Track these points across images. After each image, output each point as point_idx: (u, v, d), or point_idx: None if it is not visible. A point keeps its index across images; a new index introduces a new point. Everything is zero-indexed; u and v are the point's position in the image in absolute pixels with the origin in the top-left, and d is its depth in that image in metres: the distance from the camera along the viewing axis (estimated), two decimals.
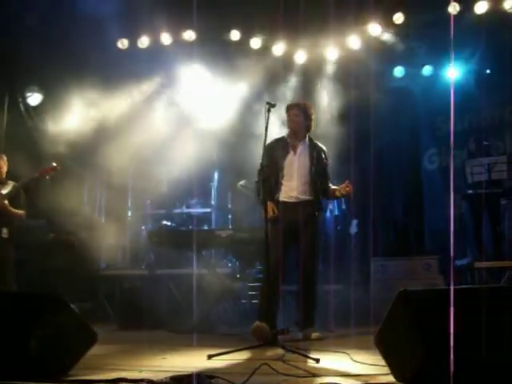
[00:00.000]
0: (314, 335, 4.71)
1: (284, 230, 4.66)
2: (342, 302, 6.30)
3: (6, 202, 5.64)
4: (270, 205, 4.60)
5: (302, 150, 4.92)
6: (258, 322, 4.49)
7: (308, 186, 4.83)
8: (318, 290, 4.98)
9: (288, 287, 5.27)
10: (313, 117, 5.01)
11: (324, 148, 5.08)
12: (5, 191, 5.74)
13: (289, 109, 4.97)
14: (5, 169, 5.92)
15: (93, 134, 8.10)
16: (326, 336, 4.75)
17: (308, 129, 5.00)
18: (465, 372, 2.45)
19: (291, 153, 4.88)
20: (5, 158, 6.00)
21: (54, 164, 5.98)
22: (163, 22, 7.40)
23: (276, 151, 4.84)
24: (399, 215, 8.37)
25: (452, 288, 2.71)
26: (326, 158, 5.03)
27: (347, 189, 4.72)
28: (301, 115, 4.90)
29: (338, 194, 4.83)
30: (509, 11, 6.73)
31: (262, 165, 4.50)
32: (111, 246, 7.39)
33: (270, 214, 4.57)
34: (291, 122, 4.89)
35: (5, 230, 5.65)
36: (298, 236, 4.77)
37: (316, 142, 5.07)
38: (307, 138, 4.99)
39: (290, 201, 4.80)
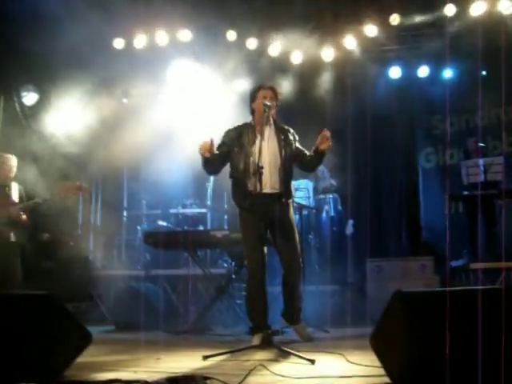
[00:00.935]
0: (305, 333, 4.55)
1: (257, 224, 4.25)
2: (338, 302, 6.30)
3: (24, 216, 5.62)
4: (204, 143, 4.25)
5: (269, 133, 4.55)
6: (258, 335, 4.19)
7: (279, 173, 4.47)
8: (300, 280, 4.64)
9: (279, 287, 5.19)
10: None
11: (291, 129, 4.71)
12: (15, 195, 5.75)
13: (260, 90, 4.57)
14: (14, 170, 5.87)
15: (88, 134, 8.10)
16: (317, 337, 4.59)
17: (273, 113, 4.61)
18: (460, 372, 2.45)
19: (258, 137, 4.45)
20: (14, 158, 5.93)
21: (79, 184, 5.84)
22: (159, 21, 7.40)
23: (242, 136, 4.52)
24: (395, 215, 8.39)
25: (447, 289, 2.71)
26: (295, 137, 4.67)
27: (326, 139, 4.30)
28: (274, 98, 4.56)
29: (321, 147, 4.35)
30: (504, 13, 6.76)
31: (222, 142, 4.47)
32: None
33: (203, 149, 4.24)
34: (265, 105, 4.38)
35: (12, 234, 5.66)
36: (273, 231, 4.47)
37: (280, 123, 4.71)
38: (272, 122, 4.62)
39: (261, 192, 4.21)
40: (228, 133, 4.63)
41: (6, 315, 2.96)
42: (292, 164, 4.61)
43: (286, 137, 4.60)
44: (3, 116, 7.47)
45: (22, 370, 2.84)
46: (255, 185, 4.14)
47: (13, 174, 5.86)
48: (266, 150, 4.44)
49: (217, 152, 4.42)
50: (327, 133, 4.32)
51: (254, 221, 4.27)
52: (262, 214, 4.24)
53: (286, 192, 4.51)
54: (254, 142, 4.46)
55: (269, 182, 4.42)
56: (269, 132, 4.55)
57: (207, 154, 4.31)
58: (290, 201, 4.62)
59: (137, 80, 8.11)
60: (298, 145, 4.67)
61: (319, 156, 4.49)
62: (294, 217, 4.77)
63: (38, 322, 3.01)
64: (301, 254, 4.66)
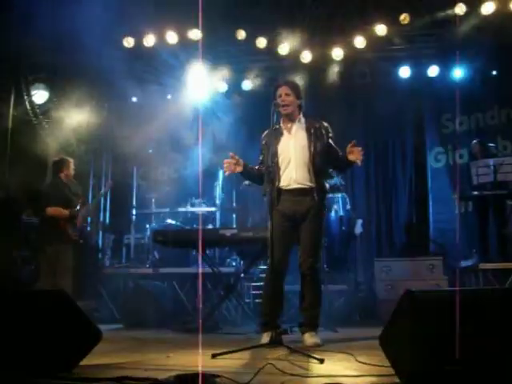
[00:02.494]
0: (310, 341, 4.19)
1: (285, 222, 4.23)
2: (347, 302, 6.30)
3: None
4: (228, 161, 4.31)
5: (296, 129, 4.44)
6: (268, 333, 4.12)
7: (308, 169, 4.32)
8: (320, 285, 4.44)
9: (293, 287, 5.16)
10: (301, 95, 4.55)
11: (325, 123, 4.53)
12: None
13: (277, 88, 4.48)
14: (71, 174, 6.24)
15: (97, 133, 8.13)
16: (325, 343, 4.27)
17: (301, 107, 4.51)
18: (470, 372, 2.44)
19: (285, 134, 4.40)
20: (71, 161, 6.28)
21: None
22: (169, 20, 7.42)
23: (269, 138, 4.40)
24: (404, 215, 8.37)
25: (457, 289, 2.70)
26: (328, 132, 4.49)
27: (355, 151, 4.19)
28: (291, 94, 4.43)
29: (350, 158, 4.22)
30: None
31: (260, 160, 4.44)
32: None
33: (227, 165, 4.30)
34: (283, 103, 4.36)
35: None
36: (299, 228, 4.33)
37: (313, 118, 4.57)
38: (301, 116, 4.50)
39: (288, 188, 4.28)
40: (261, 139, 4.55)
41: (18, 312, 2.98)
42: (324, 160, 4.41)
43: (317, 131, 4.45)
44: (14, 114, 7.50)
45: (34, 365, 2.86)
46: (280, 182, 4.20)
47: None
48: (293, 146, 4.37)
49: (257, 164, 4.51)
50: (357, 148, 4.20)
51: (279, 218, 4.22)
52: (289, 210, 4.22)
53: (316, 188, 4.33)
54: (279, 140, 4.39)
55: (295, 178, 4.31)
56: (296, 128, 4.45)
57: (239, 170, 4.35)
58: (321, 197, 4.37)
59: (146, 79, 8.15)
60: (330, 141, 4.49)
61: (347, 165, 4.41)
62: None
63: (49, 318, 3.03)
64: (319, 257, 4.45)
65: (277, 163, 4.29)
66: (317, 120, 4.56)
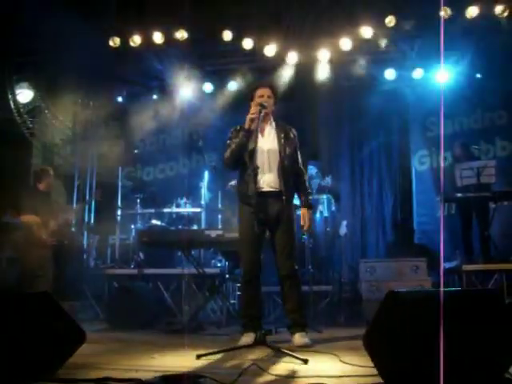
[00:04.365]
0: (300, 341, 4.25)
1: (255, 223, 4.06)
2: (332, 302, 6.33)
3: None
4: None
5: (269, 132, 4.49)
6: (248, 334, 4.24)
7: (278, 173, 4.38)
8: (301, 286, 4.54)
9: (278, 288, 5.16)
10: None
11: (293, 129, 4.62)
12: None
13: (259, 88, 4.52)
14: (52, 183, 6.49)
15: (83, 133, 8.10)
16: (314, 344, 4.30)
17: (273, 111, 4.56)
18: (452, 372, 2.47)
19: (259, 136, 4.39)
20: (51, 171, 6.50)
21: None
22: (155, 20, 7.40)
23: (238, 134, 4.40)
24: (389, 216, 8.43)
25: (440, 290, 2.73)
26: (295, 137, 4.57)
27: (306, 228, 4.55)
28: (272, 97, 4.49)
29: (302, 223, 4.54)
30: (499, 16, 6.79)
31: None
32: None
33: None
34: (261, 105, 4.30)
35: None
36: (273, 232, 4.40)
37: (282, 122, 4.61)
38: (272, 120, 4.55)
39: (260, 191, 4.27)
40: (233, 132, 4.54)
41: (2, 314, 2.96)
42: (291, 164, 4.48)
43: (287, 135, 4.53)
44: None
45: (16, 367, 2.84)
46: (252, 183, 4.10)
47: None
48: (265, 149, 4.41)
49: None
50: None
51: (250, 220, 4.13)
52: (260, 213, 4.15)
53: (285, 191, 4.38)
54: (253, 141, 4.35)
55: (267, 181, 4.37)
56: (269, 130, 4.51)
57: (254, 125, 4.26)
58: (291, 200, 4.49)
59: (132, 79, 8.13)
60: (297, 150, 4.57)
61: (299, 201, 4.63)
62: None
63: (32, 320, 3.02)
64: (296, 258, 4.48)
65: (256, 165, 4.19)
66: (287, 125, 4.63)
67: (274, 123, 4.57)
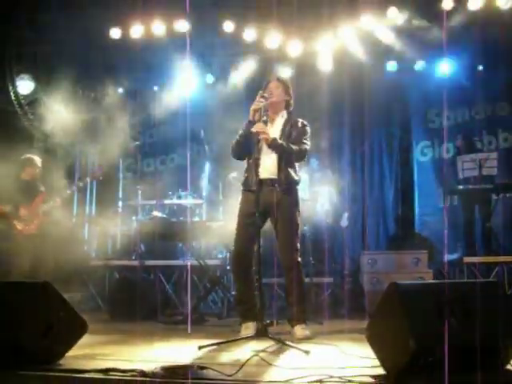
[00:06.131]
0: (301, 334, 4.25)
1: (253, 210, 4.09)
2: (333, 294, 6.33)
3: None
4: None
5: (277, 122, 4.57)
6: (247, 324, 4.30)
7: (278, 160, 4.41)
8: (303, 278, 4.52)
9: (279, 279, 5.14)
10: (291, 93, 4.67)
11: (305, 122, 4.63)
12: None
13: (268, 83, 4.62)
14: (37, 171, 6.38)
15: (84, 124, 8.07)
16: (315, 335, 4.31)
17: (287, 105, 4.66)
18: (454, 364, 2.47)
19: (268, 125, 4.43)
20: (36, 160, 6.39)
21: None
22: (156, 10, 7.36)
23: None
24: (390, 208, 8.42)
25: (442, 281, 2.73)
26: (304, 126, 4.59)
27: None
28: (280, 87, 4.58)
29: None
30: (502, 8, 6.76)
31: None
32: None
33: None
34: (270, 94, 4.43)
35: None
36: (274, 222, 4.42)
37: (297, 118, 4.65)
38: (286, 113, 4.64)
39: (261, 178, 4.20)
40: (245, 124, 4.51)
41: (3, 303, 2.96)
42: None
43: (292, 127, 4.55)
44: None
45: (19, 357, 2.85)
46: (253, 171, 4.18)
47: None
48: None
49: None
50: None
51: (249, 204, 4.25)
52: (260, 200, 4.12)
53: (283, 179, 4.41)
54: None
55: (267, 169, 4.37)
56: (278, 121, 4.58)
57: (258, 116, 4.29)
58: (290, 189, 4.47)
59: (133, 70, 8.10)
60: (304, 135, 4.55)
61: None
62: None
63: (34, 310, 3.02)
64: (298, 248, 4.44)
65: (256, 151, 4.25)
66: (300, 121, 4.63)
67: (285, 115, 4.63)
